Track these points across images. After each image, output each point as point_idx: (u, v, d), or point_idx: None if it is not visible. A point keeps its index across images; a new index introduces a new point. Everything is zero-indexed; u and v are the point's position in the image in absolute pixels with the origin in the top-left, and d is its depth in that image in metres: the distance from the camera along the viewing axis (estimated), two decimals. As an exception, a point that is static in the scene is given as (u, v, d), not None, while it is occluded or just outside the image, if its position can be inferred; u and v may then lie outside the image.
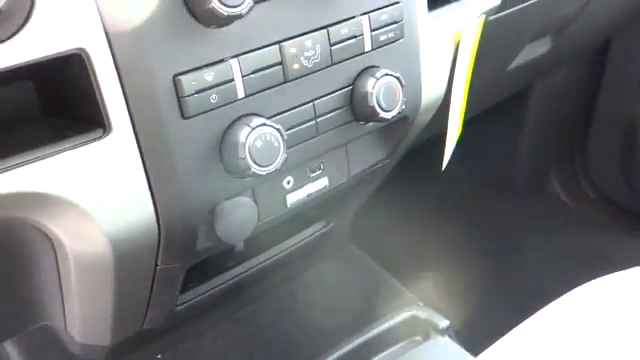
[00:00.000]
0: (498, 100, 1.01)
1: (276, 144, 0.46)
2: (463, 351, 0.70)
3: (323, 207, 0.67)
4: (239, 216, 0.51)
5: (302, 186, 0.56)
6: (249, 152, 0.45)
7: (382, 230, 0.99)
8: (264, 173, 0.46)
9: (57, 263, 0.51)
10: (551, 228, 1.17)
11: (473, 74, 0.66)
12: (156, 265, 0.51)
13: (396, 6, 0.53)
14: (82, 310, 0.57)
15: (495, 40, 0.70)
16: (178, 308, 0.63)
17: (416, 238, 1.07)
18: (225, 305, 0.76)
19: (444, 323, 0.73)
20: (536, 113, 1.21)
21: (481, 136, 0.98)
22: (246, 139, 0.45)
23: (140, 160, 0.44)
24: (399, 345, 0.74)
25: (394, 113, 0.53)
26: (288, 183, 0.55)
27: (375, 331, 0.74)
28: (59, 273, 0.52)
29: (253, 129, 0.45)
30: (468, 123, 0.70)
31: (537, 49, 0.92)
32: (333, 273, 0.89)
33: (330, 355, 0.71)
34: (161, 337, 0.74)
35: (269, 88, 0.47)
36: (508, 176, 1.28)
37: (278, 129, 0.46)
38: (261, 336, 0.79)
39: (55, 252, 0.49)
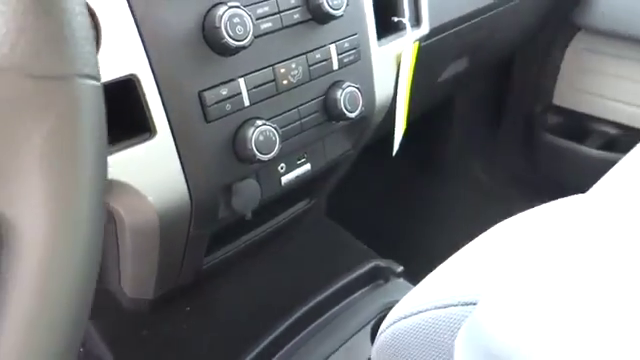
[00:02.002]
0: (433, 104, 1.05)
1: (274, 138, 0.51)
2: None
3: (306, 188, 0.72)
4: (248, 193, 0.56)
5: (292, 170, 0.61)
6: (255, 145, 0.50)
7: (350, 207, 1.03)
8: (265, 159, 0.51)
9: (116, 233, 0.55)
10: (474, 200, 1.21)
11: (412, 85, 0.71)
12: (189, 232, 0.55)
13: (355, 36, 0.58)
14: (134, 270, 0.60)
15: (426, 60, 0.75)
16: (203, 267, 0.68)
17: (377, 210, 1.12)
18: (236, 267, 0.80)
19: (400, 268, 0.78)
20: (460, 114, 1.26)
21: (421, 133, 1.03)
22: (252, 135, 0.50)
23: (177, 154, 0.48)
24: (366, 288, 0.79)
25: (357, 113, 0.58)
26: (282, 168, 0.60)
27: (347, 279, 0.78)
28: (117, 241, 0.56)
29: (257, 128, 0.50)
30: (411, 123, 0.75)
31: (459, 66, 0.97)
32: (313, 241, 0.93)
33: (312, 300, 0.74)
34: (189, 293, 0.77)
35: (266, 98, 0.52)
36: (442, 163, 1.32)
37: (275, 127, 0.51)
38: (259, 293, 0.83)
39: (115, 224, 0.53)
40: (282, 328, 0.68)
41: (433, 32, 0.73)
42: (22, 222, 0.18)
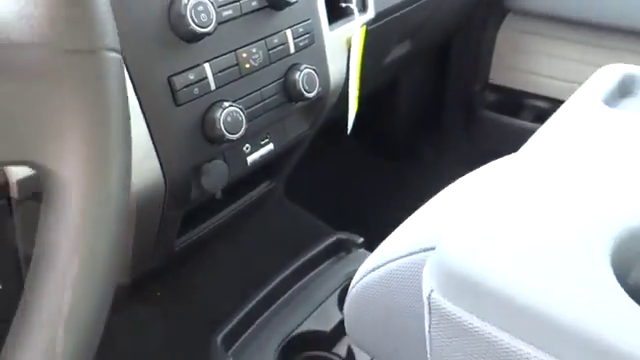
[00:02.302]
0: (380, 86, 1.11)
1: (240, 119, 0.55)
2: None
3: (268, 169, 0.76)
4: (217, 173, 0.59)
5: (256, 150, 0.64)
6: (223, 125, 0.53)
7: (308, 189, 1.07)
8: (234, 139, 0.54)
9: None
10: (422, 176, 1.27)
11: (362, 66, 0.77)
12: (163, 212, 0.58)
13: (308, 22, 0.62)
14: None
15: (373, 43, 0.79)
16: (176, 249, 0.70)
17: (332, 191, 1.16)
18: (206, 249, 0.82)
19: (360, 239, 0.84)
20: (405, 96, 1.32)
21: (370, 116, 1.08)
22: (220, 116, 0.53)
23: (150, 136, 0.51)
24: (329, 260, 0.84)
25: (314, 94, 0.63)
26: (247, 149, 0.63)
27: (311, 253, 0.82)
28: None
29: (224, 110, 0.53)
30: (361, 106, 0.80)
31: (402, 49, 1.03)
32: (276, 221, 0.96)
33: (281, 275, 0.78)
34: (161, 277, 0.79)
35: (231, 82, 0.56)
36: (391, 144, 1.38)
37: (240, 109, 0.55)
38: (228, 274, 0.86)
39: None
40: (254, 302, 0.72)
41: (378, 16, 0.78)
42: (66, 175, 0.21)
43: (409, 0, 0.88)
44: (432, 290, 0.32)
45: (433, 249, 0.40)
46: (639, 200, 0.33)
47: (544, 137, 0.44)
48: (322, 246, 0.82)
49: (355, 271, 0.71)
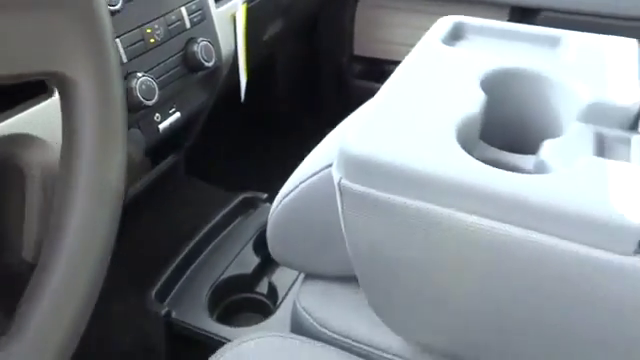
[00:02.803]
0: (262, 61, 1.20)
1: (153, 86, 0.62)
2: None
3: (172, 142, 0.83)
4: (135, 140, 0.66)
5: (166, 119, 0.72)
6: (139, 93, 0.60)
7: (205, 164, 1.14)
8: (150, 104, 0.62)
9: (24, 193, 0.60)
10: (304, 144, 1.38)
11: (246, 40, 0.86)
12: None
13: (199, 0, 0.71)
14: (40, 232, 0.66)
15: (253, 20, 0.89)
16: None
17: (229, 162, 1.24)
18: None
19: (265, 195, 0.94)
20: (283, 71, 1.43)
21: (254, 90, 1.17)
22: (136, 85, 0.60)
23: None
24: (240, 217, 0.92)
25: (212, 63, 0.71)
26: (157, 118, 0.70)
27: (222, 212, 0.89)
28: (24, 204, 0.61)
29: (138, 79, 0.60)
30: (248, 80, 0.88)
31: (276, 27, 1.14)
32: (179, 194, 1.02)
33: (200, 232, 0.84)
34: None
35: (139, 55, 0.63)
36: (274, 116, 1.48)
37: (152, 78, 0.62)
38: (147, 242, 0.91)
39: (25, 182, 0.59)
40: (180, 258, 0.79)
41: (255, -6, 0.88)
42: (78, 76, 0.28)
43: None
44: (341, 177, 0.44)
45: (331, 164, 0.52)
46: (471, 97, 0.48)
47: (397, 73, 0.57)
48: (231, 205, 0.91)
49: (265, 221, 0.82)
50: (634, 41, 0.59)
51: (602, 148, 0.45)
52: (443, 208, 0.40)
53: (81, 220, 0.30)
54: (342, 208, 0.45)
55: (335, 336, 0.56)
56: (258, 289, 0.81)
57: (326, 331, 0.56)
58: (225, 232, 0.87)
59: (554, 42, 0.59)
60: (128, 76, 0.60)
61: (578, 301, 0.40)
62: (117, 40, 0.59)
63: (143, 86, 0.60)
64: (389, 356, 0.53)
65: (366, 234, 0.45)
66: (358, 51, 1.50)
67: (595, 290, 0.38)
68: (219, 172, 1.11)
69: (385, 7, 1.41)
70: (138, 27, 0.62)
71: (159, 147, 0.76)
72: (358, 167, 0.42)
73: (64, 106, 0.30)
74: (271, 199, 0.95)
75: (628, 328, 0.39)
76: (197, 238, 0.83)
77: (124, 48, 0.60)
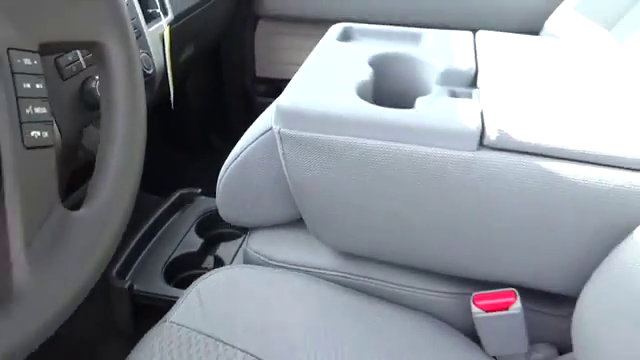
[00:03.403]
0: (178, 81, 1.34)
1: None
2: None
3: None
4: (93, 134, 0.77)
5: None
6: (99, 93, 0.73)
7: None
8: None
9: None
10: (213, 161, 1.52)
11: (171, 57, 1.01)
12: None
13: (134, 19, 0.85)
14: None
15: (173, 41, 1.05)
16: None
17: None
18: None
19: (199, 190, 1.07)
20: (194, 92, 1.58)
21: (169, 114, 1.29)
22: (95, 86, 0.73)
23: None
24: (179, 210, 1.05)
25: (152, 71, 0.86)
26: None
27: (162, 208, 1.01)
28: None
29: (96, 81, 0.73)
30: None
31: (190, 49, 1.29)
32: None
33: (148, 222, 0.96)
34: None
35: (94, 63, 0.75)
36: (187, 135, 1.60)
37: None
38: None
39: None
40: (133, 244, 0.90)
41: (175, 19, 1.04)
42: (111, 44, 0.43)
43: (187, 10, 1.15)
44: (279, 128, 0.60)
45: (271, 129, 0.68)
46: (362, 71, 0.67)
47: (309, 59, 0.75)
48: (171, 200, 1.03)
49: (202, 210, 0.96)
50: (470, 32, 0.83)
51: (454, 96, 0.67)
52: (353, 138, 0.58)
53: (123, 135, 0.44)
54: (283, 152, 0.62)
55: (283, 265, 0.72)
56: (205, 265, 0.94)
57: (274, 262, 0.72)
58: (169, 222, 0.99)
59: (417, 37, 0.82)
60: (87, 80, 0.73)
61: (446, 195, 0.59)
62: (77, 52, 0.72)
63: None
64: (328, 272, 0.70)
65: (302, 168, 0.62)
66: (260, 73, 1.68)
67: (456, 180, 0.58)
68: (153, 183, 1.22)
69: (281, 33, 1.62)
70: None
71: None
72: (291, 117, 0.59)
73: (100, 68, 0.44)
74: (204, 194, 1.09)
75: (478, 210, 0.59)
76: (145, 227, 0.94)
77: (83, 57, 0.73)
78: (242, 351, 0.56)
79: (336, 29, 0.84)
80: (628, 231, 0.53)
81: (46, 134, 0.37)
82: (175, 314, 0.61)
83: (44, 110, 0.37)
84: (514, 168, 0.56)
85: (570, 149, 0.54)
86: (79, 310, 0.91)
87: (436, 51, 0.75)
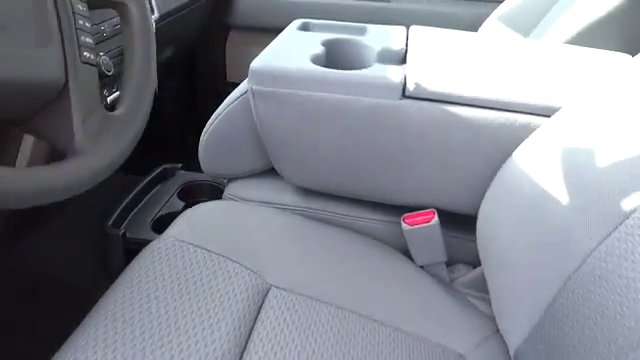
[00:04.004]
0: (160, 78, 1.51)
1: (110, 64, 0.92)
2: (192, 173, 1.22)
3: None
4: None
5: (111, 94, 1.01)
6: (104, 66, 0.90)
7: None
8: (109, 74, 0.91)
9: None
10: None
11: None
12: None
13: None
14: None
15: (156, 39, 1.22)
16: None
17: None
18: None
19: (179, 165, 1.24)
20: (170, 94, 1.74)
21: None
22: (101, 60, 0.90)
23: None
24: (161, 183, 1.21)
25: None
26: (106, 93, 0.99)
27: (145, 180, 1.18)
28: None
29: (102, 57, 0.90)
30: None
31: (169, 51, 1.47)
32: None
33: (135, 189, 1.11)
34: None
35: (102, 41, 0.93)
36: (162, 136, 1.75)
37: (109, 58, 0.92)
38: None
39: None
40: (123, 204, 1.06)
41: (159, 19, 1.22)
42: (132, 5, 0.60)
43: (169, 13, 1.33)
44: (252, 86, 0.79)
45: (245, 92, 0.87)
46: (317, 49, 0.87)
47: (275, 40, 0.95)
48: (155, 173, 1.19)
49: (183, 181, 1.13)
50: (403, 27, 1.04)
51: (387, 68, 0.86)
52: (307, 91, 0.77)
53: (141, 64, 0.62)
54: (255, 106, 0.80)
55: (256, 202, 0.89)
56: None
57: (249, 202, 0.89)
58: (155, 189, 1.15)
59: (363, 29, 1.02)
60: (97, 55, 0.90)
61: (379, 134, 0.78)
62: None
63: (105, 61, 0.90)
64: (292, 207, 0.88)
65: (270, 118, 0.80)
66: (230, 78, 1.87)
67: (386, 122, 0.77)
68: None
69: (251, 42, 1.81)
70: (102, 22, 0.92)
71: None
72: (261, 76, 0.78)
73: (124, 24, 0.62)
74: (184, 168, 1.26)
75: (402, 145, 0.79)
76: (135, 191, 1.10)
77: (93, 35, 0.90)
78: (232, 261, 0.72)
79: (296, 23, 1.04)
80: (508, 155, 0.73)
81: (92, 56, 0.54)
82: (170, 231, 0.77)
83: (90, 40, 0.55)
84: (427, 112, 0.76)
85: (466, 96, 0.75)
86: (77, 258, 1.06)
87: (376, 38, 0.96)
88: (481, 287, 0.82)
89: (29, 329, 0.97)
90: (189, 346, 0.58)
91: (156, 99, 1.66)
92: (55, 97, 0.50)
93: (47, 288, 1.00)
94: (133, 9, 0.62)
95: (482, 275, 0.80)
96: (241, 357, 0.59)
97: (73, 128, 0.50)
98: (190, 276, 0.67)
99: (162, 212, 1.08)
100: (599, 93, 0.66)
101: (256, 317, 0.65)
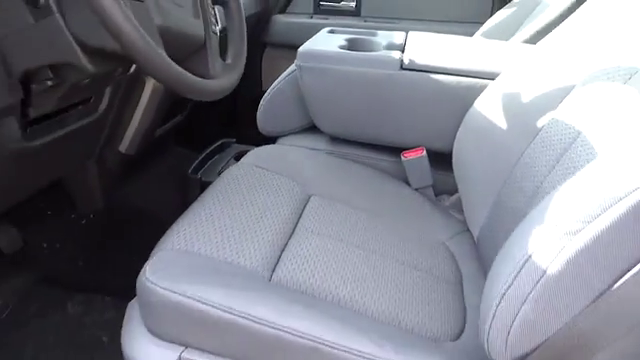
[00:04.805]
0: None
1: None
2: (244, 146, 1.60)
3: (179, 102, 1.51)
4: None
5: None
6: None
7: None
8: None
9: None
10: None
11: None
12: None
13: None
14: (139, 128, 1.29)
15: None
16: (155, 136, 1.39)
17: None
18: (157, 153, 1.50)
19: (234, 140, 1.62)
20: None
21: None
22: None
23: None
24: (221, 152, 1.60)
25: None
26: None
27: (209, 150, 1.58)
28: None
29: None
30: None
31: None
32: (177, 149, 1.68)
33: (200, 156, 1.52)
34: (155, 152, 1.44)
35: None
36: (202, 137, 2.16)
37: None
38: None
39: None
40: (196, 162, 1.44)
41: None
42: (232, 3, 1.00)
43: (223, 29, 1.75)
44: (300, 63, 1.18)
45: (294, 71, 1.26)
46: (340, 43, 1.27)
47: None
48: (216, 145, 1.58)
49: (238, 150, 1.53)
50: (404, 32, 1.43)
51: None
52: (336, 66, 1.16)
53: (239, 27, 1.01)
54: (301, 78, 1.19)
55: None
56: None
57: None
58: (216, 156, 1.54)
59: (374, 32, 1.41)
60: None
61: (386, 94, 1.17)
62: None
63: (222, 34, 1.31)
64: (324, 149, 1.26)
65: (312, 87, 1.19)
66: (265, 87, 2.28)
67: (390, 86, 1.16)
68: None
69: (282, 58, 2.22)
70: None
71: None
72: (306, 55, 1.18)
73: (227, 13, 1.02)
74: (239, 142, 1.64)
75: (402, 100, 1.17)
76: (203, 154, 1.49)
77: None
78: (284, 177, 1.08)
79: (326, 29, 1.44)
80: (470, 106, 1.11)
81: (216, 30, 0.94)
82: (243, 160, 1.15)
83: (215, 22, 0.94)
84: (417, 78, 1.14)
85: (444, 67, 1.13)
86: (166, 196, 1.43)
87: (383, 37, 1.35)
88: (459, 207, 1.18)
89: (130, 247, 1.34)
90: (255, 231, 0.88)
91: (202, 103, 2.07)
92: (199, 49, 0.90)
93: (143, 218, 1.38)
94: (234, 6, 1.02)
95: (459, 198, 1.17)
96: (287, 242, 0.90)
97: (209, 66, 0.89)
98: (257, 185, 1.03)
99: (225, 167, 1.47)
100: (519, 65, 1.04)
101: (300, 215, 1.00)
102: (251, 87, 2.21)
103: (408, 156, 1.18)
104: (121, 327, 0.81)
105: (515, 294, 0.60)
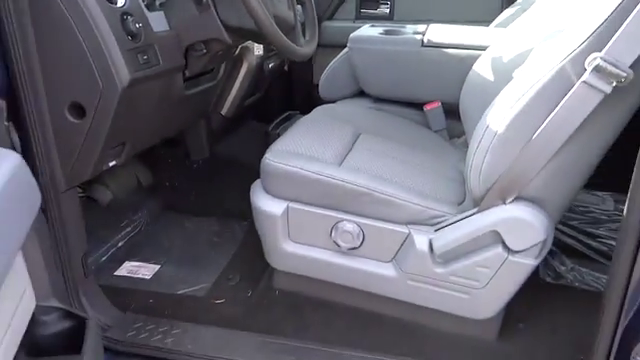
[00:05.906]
0: (268, 82, 2.48)
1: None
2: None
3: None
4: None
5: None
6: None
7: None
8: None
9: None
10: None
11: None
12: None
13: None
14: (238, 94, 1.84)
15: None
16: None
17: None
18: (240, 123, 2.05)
19: (298, 112, 2.15)
20: (274, 92, 2.71)
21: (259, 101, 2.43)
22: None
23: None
24: (287, 121, 2.12)
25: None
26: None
27: (278, 119, 2.11)
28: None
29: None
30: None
31: (274, 60, 2.42)
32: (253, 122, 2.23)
33: (274, 121, 2.05)
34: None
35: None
36: (272, 111, 2.72)
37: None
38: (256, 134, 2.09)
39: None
40: (271, 125, 1.97)
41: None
42: (307, 2, 1.53)
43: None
44: (351, 45, 1.71)
45: (346, 52, 1.80)
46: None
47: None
48: (282, 116, 2.12)
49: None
50: (424, 25, 1.94)
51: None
52: (377, 46, 1.68)
53: (312, 16, 1.54)
54: (351, 57, 1.73)
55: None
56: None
57: (346, 107, 1.80)
58: (285, 123, 2.07)
59: (404, 26, 1.93)
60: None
61: (412, 64, 1.68)
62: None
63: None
64: (372, 106, 1.78)
65: (361, 62, 1.72)
66: (316, 81, 2.81)
67: (414, 59, 1.67)
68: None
69: (331, 55, 2.75)
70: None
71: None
72: (356, 39, 1.71)
73: (304, 7, 1.55)
74: (302, 113, 2.15)
75: (424, 68, 1.68)
76: (276, 121, 2.03)
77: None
78: (341, 121, 1.60)
79: (368, 24, 1.97)
80: (470, 68, 1.60)
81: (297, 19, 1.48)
82: (314, 111, 1.67)
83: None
84: (434, 52, 1.66)
85: (454, 43, 1.64)
86: (252, 149, 1.97)
87: (410, 28, 1.87)
88: (465, 144, 1.67)
89: (227, 185, 1.89)
90: (329, 145, 1.40)
91: (269, 88, 2.63)
92: (291, 29, 1.43)
93: (237, 164, 1.93)
94: (308, 5, 1.56)
95: (465, 139, 1.66)
96: (347, 154, 1.43)
97: (298, 40, 1.43)
98: (326, 124, 1.55)
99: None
100: (499, 41, 1.54)
101: (354, 142, 1.52)
102: (305, 77, 2.75)
103: (429, 107, 1.68)
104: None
105: (481, 148, 1.10)
